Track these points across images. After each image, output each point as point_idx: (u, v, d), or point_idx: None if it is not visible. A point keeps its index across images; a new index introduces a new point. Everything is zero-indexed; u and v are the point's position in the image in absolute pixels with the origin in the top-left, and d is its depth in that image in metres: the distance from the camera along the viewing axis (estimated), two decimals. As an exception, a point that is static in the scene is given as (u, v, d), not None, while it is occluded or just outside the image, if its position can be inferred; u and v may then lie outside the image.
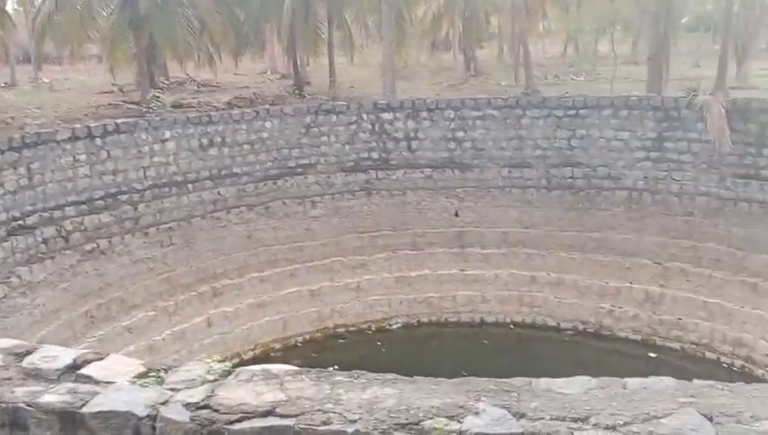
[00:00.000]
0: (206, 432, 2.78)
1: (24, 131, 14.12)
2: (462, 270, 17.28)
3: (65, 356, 3.40)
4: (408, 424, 2.69)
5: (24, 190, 12.82)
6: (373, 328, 16.92)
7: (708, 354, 15.17)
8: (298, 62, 25.44)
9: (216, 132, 15.96)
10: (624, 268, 16.31)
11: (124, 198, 14.47)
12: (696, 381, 2.98)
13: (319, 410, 2.81)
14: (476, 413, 2.76)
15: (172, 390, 3.04)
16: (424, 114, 17.51)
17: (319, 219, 17.05)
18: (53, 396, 3.04)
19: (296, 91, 23.78)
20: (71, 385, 3.15)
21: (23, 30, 29.86)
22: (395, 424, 2.69)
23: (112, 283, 14.03)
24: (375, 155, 17.54)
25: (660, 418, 2.66)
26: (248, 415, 2.81)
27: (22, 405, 3.00)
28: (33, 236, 12.82)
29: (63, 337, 12.54)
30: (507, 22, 30.12)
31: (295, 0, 22.49)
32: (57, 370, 3.28)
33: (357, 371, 3.13)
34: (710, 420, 2.65)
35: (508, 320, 17.05)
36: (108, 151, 14.23)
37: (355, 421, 2.72)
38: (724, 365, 14.88)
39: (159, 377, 3.16)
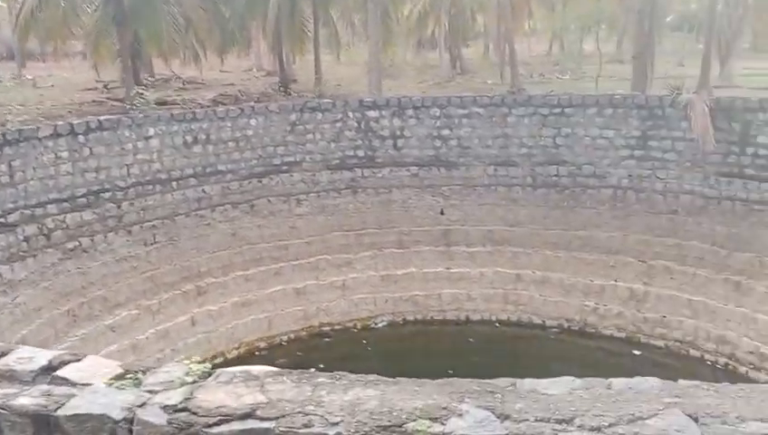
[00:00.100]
0: (184, 436, 2.72)
1: (5, 128, 13.92)
2: (447, 268, 17.28)
3: (41, 357, 3.32)
4: (390, 426, 2.64)
5: (6, 188, 12.65)
6: (359, 326, 16.88)
7: (692, 352, 15.25)
8: (284, 59, 25.34)
9: (200, 129, 15.84)
10: (609, 266, 16.37)
11: (107, 195, 14.33)
12: (681, 382, 2.96)
13: (300, 412, 2.76)
14: (460, 415, 2.72)
15: (150, 392, 2.98)
16: (410, 112, 17.48)
17: (304, 217, 16.98)
18: (27, 398, 2.97)
19: (282, 89, 23.65)
20: (46, 387, 3.08)
21: (6, 26, 29.56)
22: (377, 426, 2.64)
23: (95, 281, 13.90)
24: (361, 153, 17.49)
25: (645, 419, 2.64)
26: (227, 418, 2.75)
27: (-5, 408, 2.92)
28: (14, 234, 12.67)
29: (45, 336, 12.41)
30: (493, 20, 30.19)
31: (281, -3, 22.38)
32: (32, 371, 3.20)
33: (339, 372, 3.08)
34: (696, 420, 2.63)
35: (493, 318, 17.07)
36: (90, 148, 14.08)
37: (337, 424, 2.67)
38: (708, 363, 14.97)
39: (137, 379, 3.10)
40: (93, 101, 21.06)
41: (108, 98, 21.63)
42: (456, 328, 16.94)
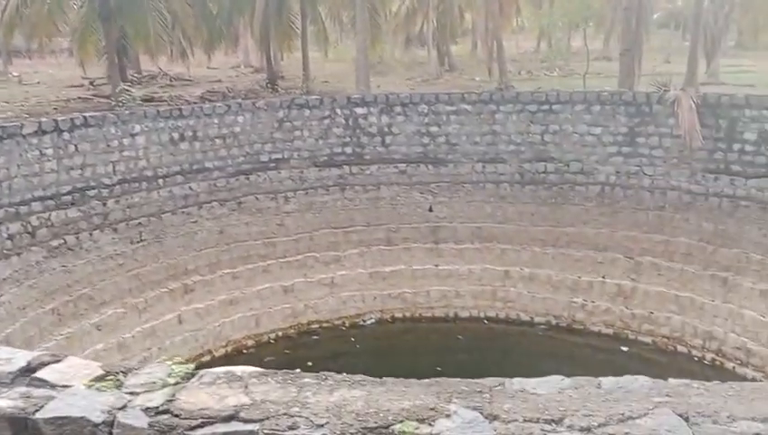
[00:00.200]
0: (166, 438, 2.65)
1: (-12, 125, 13.77)
2: (436, 265, 17.26)
3: (20, 358, 3.24)
4: (377, 428, 2.59)
5: (-11, 185, 12.53)
6: (347, 324, 16.83)
7: (680, 348, 15.31)
8: (272, 56, 25.19)
9: (187, 126, 15.74)
10: (596, 263, 16.41)
11: (92, 193, 14.21)
12: (671, 381, 2.92)
13: (284, 413, 2.69)
14: (448, 416, 2.67)
15: (131, 394, 2.90)
16: (398, 109, 17.44)
17: (292, 215, 16.90)
18: (5, 401, 2.89)
19: (269, 86, 23.51)
20: (24, 389, 3.00)
21: (-10, 22, 29.20)
22: (363, 428, 2.59)
23: (80, 280, 13.77)
24: (349, 150, 17.42)
25: (636, 418, 2.60)
26: (210, 420, 2.68)
27: (-29, 411, 2.85)
28: (-3, 232, 12.54)
29: (29, 335, 12.29)
30: (481, 17, 30.08)
31: (268, -7, 22.26)
32: (10, 373, 3.12)
33: (325, 372, 3.02)
34: (686, 420, 2.59)
35: (482, 315, 17.08)
36: (76, 145, 13.96)
37: (322, 425, 2.61)
38: (696, 358, 15.03)
39: (118, 380, 3.02)
40: (79, 98, 20.87)
41: (94, 95, 21.45)
42: (445, 325, 16.94)
